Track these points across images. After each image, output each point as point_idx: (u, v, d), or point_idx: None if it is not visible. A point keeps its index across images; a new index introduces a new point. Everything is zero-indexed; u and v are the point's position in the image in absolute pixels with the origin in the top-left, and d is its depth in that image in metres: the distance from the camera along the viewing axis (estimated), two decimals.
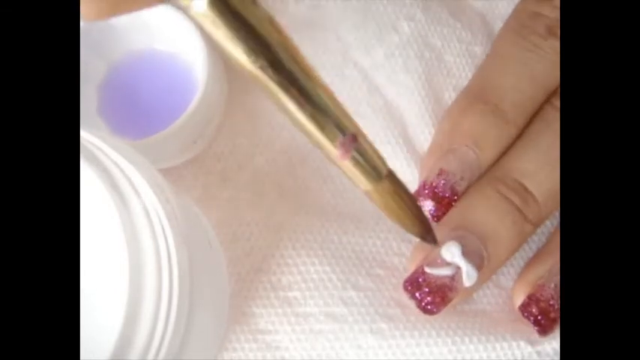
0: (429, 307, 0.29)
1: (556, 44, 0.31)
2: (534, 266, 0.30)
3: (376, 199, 0.25)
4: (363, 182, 0.24)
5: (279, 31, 0.19)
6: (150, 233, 0.21)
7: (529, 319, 0.29)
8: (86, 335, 0.19)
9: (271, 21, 0.19)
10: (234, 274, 0.30)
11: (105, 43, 0.32)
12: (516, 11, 0.34)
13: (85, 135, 0.22)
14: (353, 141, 0.22)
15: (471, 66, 0.35)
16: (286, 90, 0.20)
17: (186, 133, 0.30)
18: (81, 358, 0.18)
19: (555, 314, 0.29)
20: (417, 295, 0.29)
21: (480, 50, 0.35)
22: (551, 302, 0.29)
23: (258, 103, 0.34)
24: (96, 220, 0.20)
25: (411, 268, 0.30)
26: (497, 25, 0.36)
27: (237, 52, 0.19)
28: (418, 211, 0.27)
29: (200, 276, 0.23)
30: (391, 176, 0.25)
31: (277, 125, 0.34)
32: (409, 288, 0.29)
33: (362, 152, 0.23)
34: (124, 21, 0.32)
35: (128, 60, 0.33)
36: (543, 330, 0.29)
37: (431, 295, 0.29)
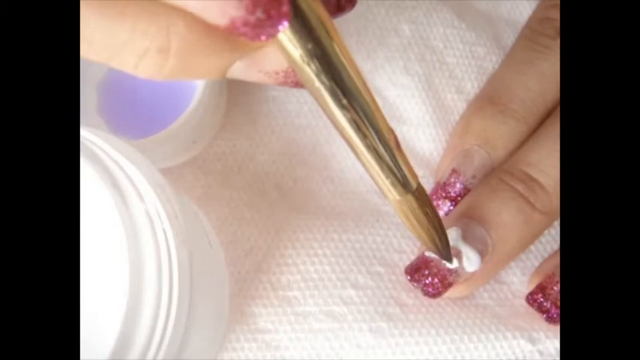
0: (429, 289, 0.29)
1: None
2: (548, 260, 0.31)
3: (398, 211, 0.25)
4: (390, 191, 0.24)
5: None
6: (150, 232, 0.21)
7: (533, 306, 0.30)
8: (86, 334, 0.19)
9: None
10: (234, 273, 0.30)
11: None
12: (528, 20, 0.35)
13: (86, 134, 0.22)
14: (394, 146, 0.23)
15: (474, 67, 0.35)
16: (334, 96, 0.21)
17: (186, 133, 0.30)
18: (81, 357, 0.18)
19: None
20: (417, 277, 0.30)
21: (483, 51, 0.35)
22: (558, 289, 0.29)
23: (259, 104, 0.34)
24: (96, 218, 0.20)
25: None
26: (501, 26, 0.36)
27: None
28: (439, 233, 0.27)
29: (200, 275, 0.23)
30: (419, 193, 0.25)
31: (277, 126, 0.34)
32: (409, 271, 0.30)
33: (396, 161, 0.23)
34: None
35: None
36: (550, 317, 0.29)
37: (430, 276, 0.29)
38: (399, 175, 0.23)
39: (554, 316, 0.29)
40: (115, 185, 0.21)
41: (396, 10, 0.35)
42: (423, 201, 0.25)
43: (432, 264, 0.29)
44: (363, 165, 0.23)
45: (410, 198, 0.24)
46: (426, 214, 0.25)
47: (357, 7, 0.35)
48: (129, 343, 0.20)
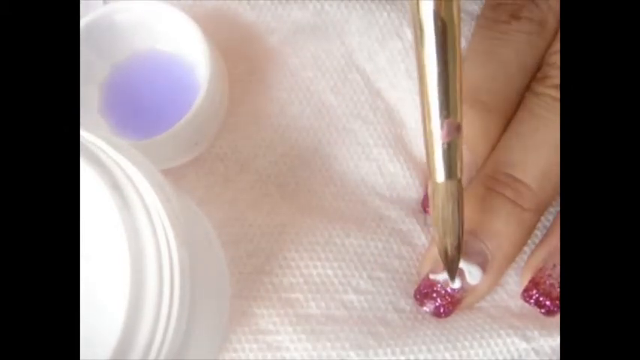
0: (440, 310, 0.30)
1: (521, 26, 0.31)
2: (535, 253, 0.30)
3: (438, 195, 0.26)
4: (438, 172, 0.26)
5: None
6: (151, 233, 0.21)
7: (530, 303, 0.30)
8: (87, 335, 0.19)
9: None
10: (235, 274, 0.30)
11: (107, 43, 0.32)
12: (482, 9, 0.34)
13: (86, 135, 0.22)
14: (457, 130, 0.25)
15: None
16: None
17: (188, 134, 0.30)
18: (83, 357, 0.18)
19: (557, 293, 0.29)
20: (426, 302, 0.30)
21: None
22: (550, 282, 0.29)
23: (261, 105, 0.34)
24: (97, 219, 0.20)
25: (420, 278, 0.31)
26: None
27: None
28: (460, 231, 0.27)
29: (201, 276, 0.23)
30: (460, 184, 0.26)
31: (280, 127, 0.34)
32: (418, 297, 0.30)
33: (454, 146, 0.25)
34: (126, 21, 0.32)
35: (131, 60, 0.33)
36: (548, 311, 0.29)
37: (439, 298, 0.30)
38: (451, 158, 0.26)
39: (553, 308, 0.29)
40: (116, 186, 0.21)
41: (398, 13, 0.35)
42: (460, 194, 0.26)
43: (439, 286, 0.30)
44: (427, 140, 0.25)
45: (452, 185, 0.26)
46: (457, 206, 0.27)
47: (360, 10, 0.35)
48: (130, 344, 0.20)
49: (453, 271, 0.28)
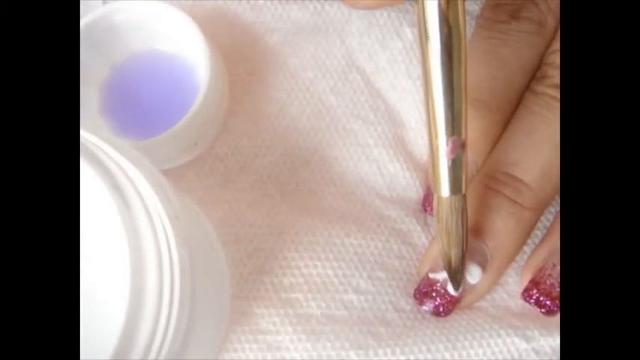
0: (440, 309, 0.30)
1: (520, 26, 0.31)
2: (535, 253, 0.31)
3: (442, 209, 0.27)
4: (443, 187, 0.26)
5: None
6: (151, 233, 0.21)
7: (530, 302, 0.30)
8: (87, 335, 0.19)
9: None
10: (235, 275, 0.30)
11: (107, 44, 0.32)
12: (481, 9, 0.34)
13: (86, 135, 0.22)
14: (462, 147, 0.26)
15: None
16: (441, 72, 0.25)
17: (188, 135, 0.30)
18: (83, 358, 0.19)
19: (558, 293, 0.29)
20: (425, 301, 0.30)
21: None
22: (550, 281, 0.29)
23: (261, 106, 0.34)
24: (97, 220, 0.20)
25: (419, 278, 0.31)
26: None
27: None
28: (464, 243, 0.28)
29: (201, 276, 0.23)
30: (464, 199, 0.27)
31: (280, 127, 0.34)
32: (417, 296, 0.31)
33: (459, 162, 0.26)
34: (126, 22, 0.32)
35: (130, 61, 0.33)
36: (548, 310, 0.29)
37: (439, 297, 0.30)
38: (456, 173, 0.26)
39: (553, 308, 0.29)
40: (116, 187, 0.21)
41: (399, 13, 0.35)
42: (465, 208, 0.27)
43: (438, 285, 0.30)
44: (434, 156, 0.26)
45: (457, 199, 0.27)
46: (462, 219, 0.27)
47: (360, 10, 0.35)
48: (131, 344, 0.20)
49: (457, 281, 0.29)
